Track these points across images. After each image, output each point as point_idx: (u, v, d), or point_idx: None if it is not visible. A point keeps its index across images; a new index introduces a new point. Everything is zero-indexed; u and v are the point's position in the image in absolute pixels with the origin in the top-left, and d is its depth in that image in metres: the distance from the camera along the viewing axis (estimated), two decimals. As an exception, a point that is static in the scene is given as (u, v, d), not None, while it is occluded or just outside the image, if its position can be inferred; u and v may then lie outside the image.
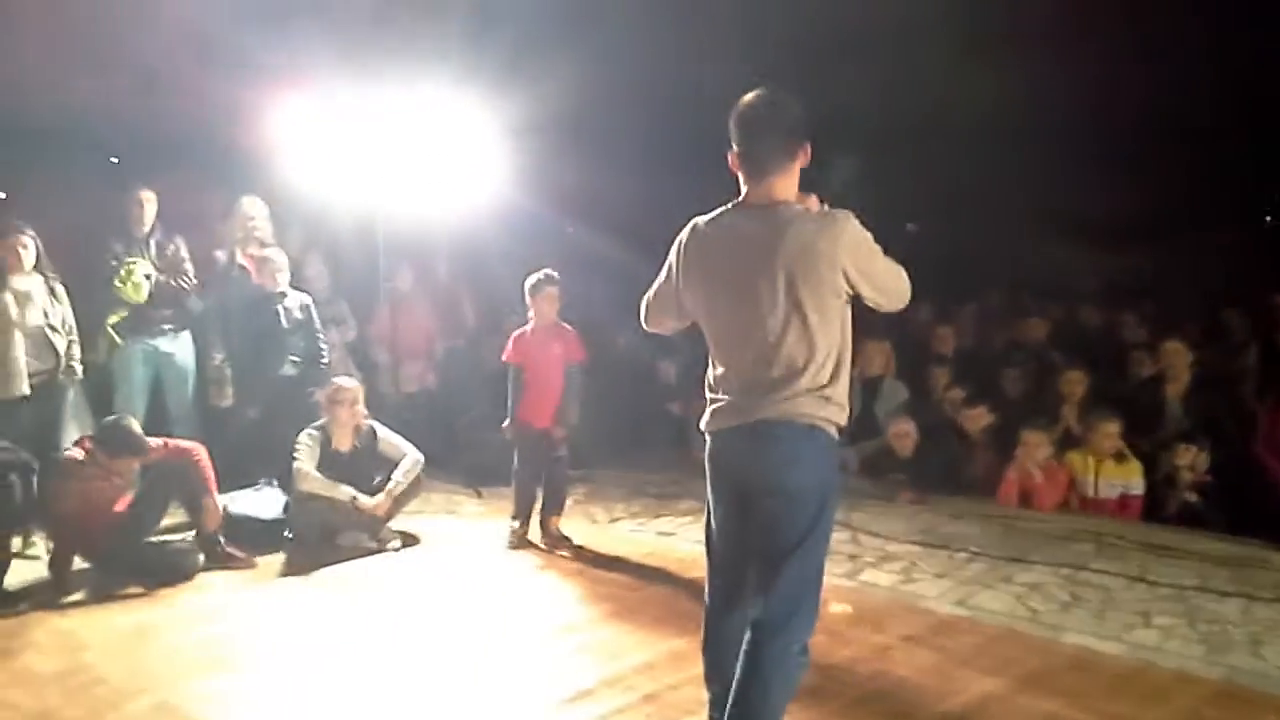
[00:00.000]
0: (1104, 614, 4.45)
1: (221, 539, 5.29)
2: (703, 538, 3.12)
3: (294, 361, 6.35)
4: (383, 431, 5.78)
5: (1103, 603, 4.58)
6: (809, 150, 2.90)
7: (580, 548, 5.57)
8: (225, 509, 5.38)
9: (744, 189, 2.91)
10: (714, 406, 2.97)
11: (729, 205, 2.94)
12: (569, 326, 5.72)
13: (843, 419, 2.91)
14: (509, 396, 5.63)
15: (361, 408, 5.73)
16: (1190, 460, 5.82)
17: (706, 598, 3.12)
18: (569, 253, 8.28)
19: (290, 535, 5.54)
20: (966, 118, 8.55)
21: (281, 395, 6.27)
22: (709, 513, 3.09)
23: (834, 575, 4.98)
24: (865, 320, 8.14)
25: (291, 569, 5.28)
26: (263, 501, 5.73)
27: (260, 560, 5.34)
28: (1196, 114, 8.30)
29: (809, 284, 2.77)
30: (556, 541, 5.62)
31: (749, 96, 2.89)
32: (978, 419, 6.54)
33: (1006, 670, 3.89)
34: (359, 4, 6.44)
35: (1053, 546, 5.35)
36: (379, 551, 5.47)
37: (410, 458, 5.71)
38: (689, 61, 7.74)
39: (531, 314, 5.66)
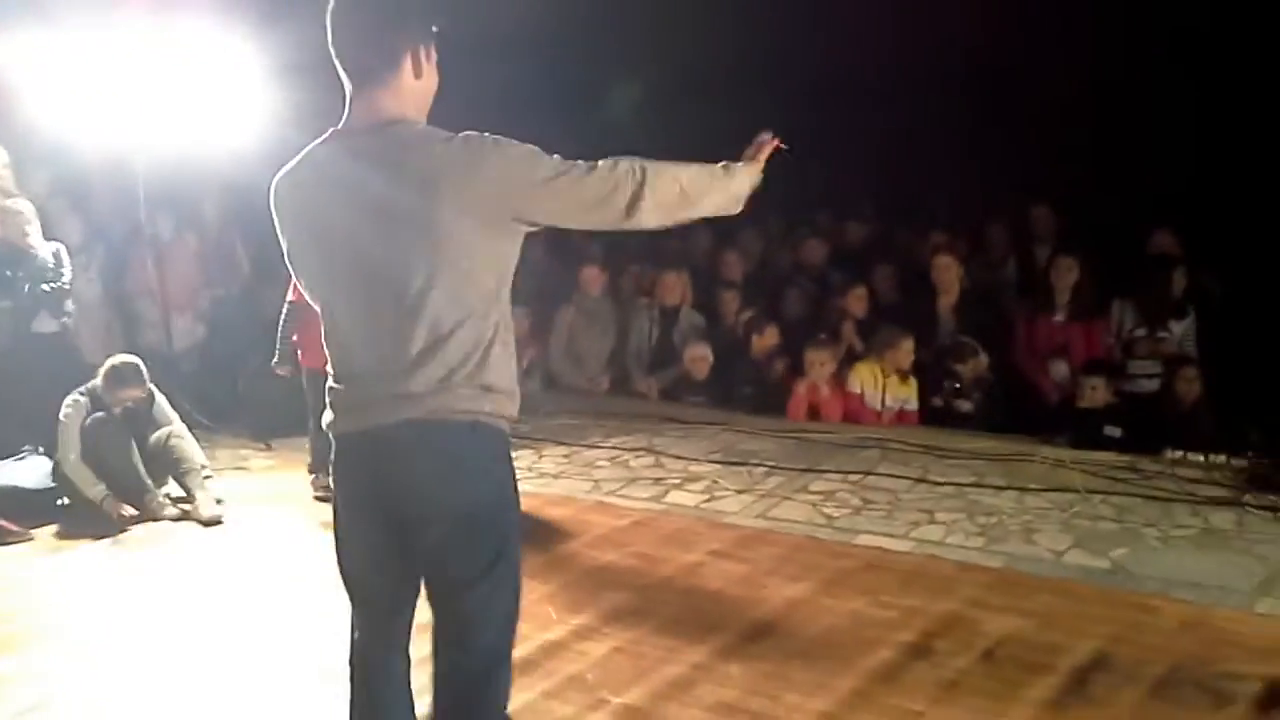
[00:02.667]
0: (892, 515, 4.73)
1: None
2: (338, 561, 2.35)
3: (53, 317, 5.88)
4: (160, 399, 5.42)
5: (890, 504, 4.86)
6: (431, 54, 2.22)
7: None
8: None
9: (345, 110, 2.22)
10: (333, 397, 2.26)
11: (326, 133, 2.23)
12: None
13: (513, 409, 2.24)
14: (280, 334, 5.34)
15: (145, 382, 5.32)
16: (974, 368, 6.22)
17: (352, 645, 2.38)
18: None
19: (64, 503, 5.16)
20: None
21: (41, 354, 5.78)
22: (339, 536, 2.34)
23: (641, 499, 5.09)
24: (660, 250, 8.20)
25: (70, 539, 4.92)
26: (29, 470, 5.28)
27: (36, 532, 4.95)
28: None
29: (439, 228, 2.08)
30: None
31: None
32: (764, 340, 6.76)
33: (809, 575, 4.07)
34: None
35: (842, 455, 5.62)
36: (163, 518, 5.14)
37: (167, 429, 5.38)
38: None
39: None
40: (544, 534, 4.60)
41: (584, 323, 7.44)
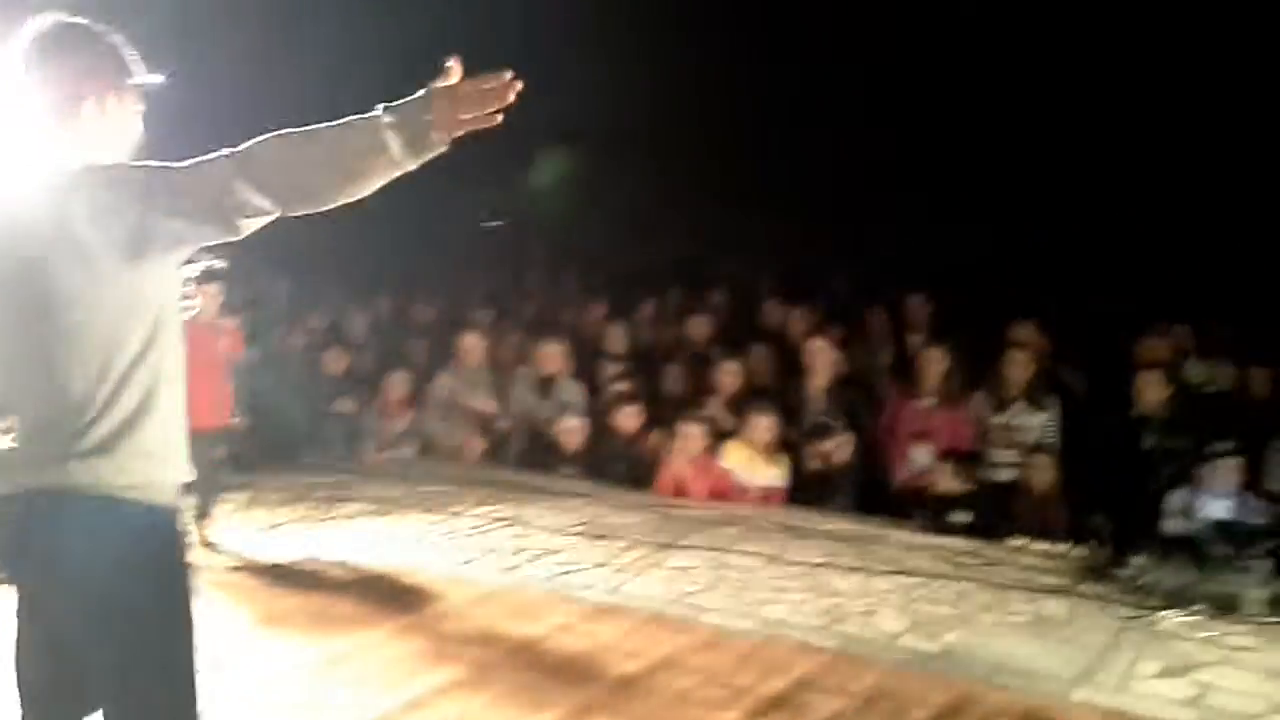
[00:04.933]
0: (741, 593, 4.77)
1: None
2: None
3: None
4: None
5: (741, 583, 4.90)
6: (124, 100, 2.16)
7: (232, 555, 5.32)
8: None
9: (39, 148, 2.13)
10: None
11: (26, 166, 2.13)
12: (227, 323, 5.53)
13: (172, 475, 2.08)
14: None
15: None
16: (836, 446, 6.35)
17: None
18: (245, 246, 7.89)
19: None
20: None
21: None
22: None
23: (495, 571, 5.06)
24: (545, 319, 8.23)
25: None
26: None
27: None
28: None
29: (74, 276, 1.96)
30: (206, 549, 5.35)
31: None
32: (630, 416, 6.83)
33: (647, 652, 4.08)
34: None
35: (703, 531, 5.66)
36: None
37: None
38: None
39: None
40: (391, 604, 4.55)
41: (462, 389, 7.44)
